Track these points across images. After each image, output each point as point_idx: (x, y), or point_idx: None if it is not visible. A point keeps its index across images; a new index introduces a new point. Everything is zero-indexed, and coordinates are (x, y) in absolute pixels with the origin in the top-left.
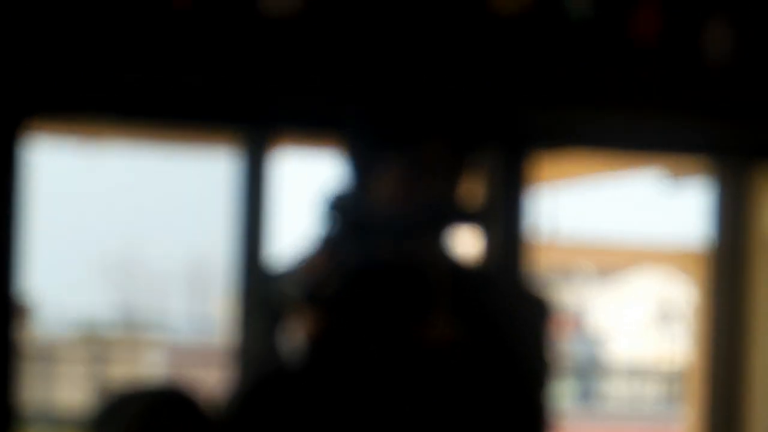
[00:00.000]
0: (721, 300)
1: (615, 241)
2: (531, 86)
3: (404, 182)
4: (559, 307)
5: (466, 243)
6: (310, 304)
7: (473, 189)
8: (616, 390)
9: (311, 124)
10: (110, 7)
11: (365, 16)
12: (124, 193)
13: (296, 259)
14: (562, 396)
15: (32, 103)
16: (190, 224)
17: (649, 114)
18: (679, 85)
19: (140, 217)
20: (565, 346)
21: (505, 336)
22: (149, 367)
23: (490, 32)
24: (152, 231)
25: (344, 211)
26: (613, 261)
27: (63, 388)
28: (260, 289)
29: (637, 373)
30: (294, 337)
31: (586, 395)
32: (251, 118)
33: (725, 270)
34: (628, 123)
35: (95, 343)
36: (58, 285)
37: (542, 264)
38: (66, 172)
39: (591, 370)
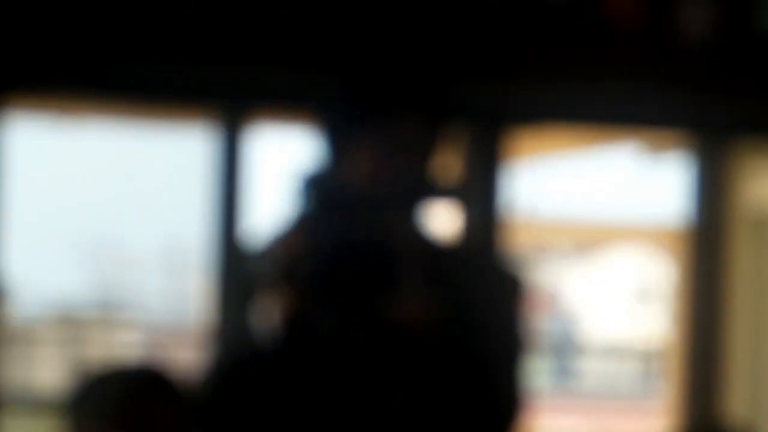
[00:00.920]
0: (699, 277)
1: (592, 218)
2: (507, 61)
3: (378, 158)
4: (534, 284)
5: (441, 219)
6: (283, 282)
7: (448, 165)
8: (592, 368)
9: (286, 100)
10: None
11: None
12: (100, 171)
13: (271, 237)
14: (537, 374)
15: (8, 79)
16: (167, 202)
17: (627, 88)
18: (657, 59)
19: (116, 196)
20: (541, 324)
21: (477, 313)
22: (125, 348)
23: (467, 9)
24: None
25: (319, 188)
26: (590, 238)
27: (40, 370)
28: (236, 268)
29: (614, 351)
30: (269, 315)
31: (562, 373)
32: (226, 94)
33: (704, 247)
34: (605, 97)
35: (71, 324)
36: (33, 266)
37: (518, 241)
38: (42, 151)
39: (567, 349)
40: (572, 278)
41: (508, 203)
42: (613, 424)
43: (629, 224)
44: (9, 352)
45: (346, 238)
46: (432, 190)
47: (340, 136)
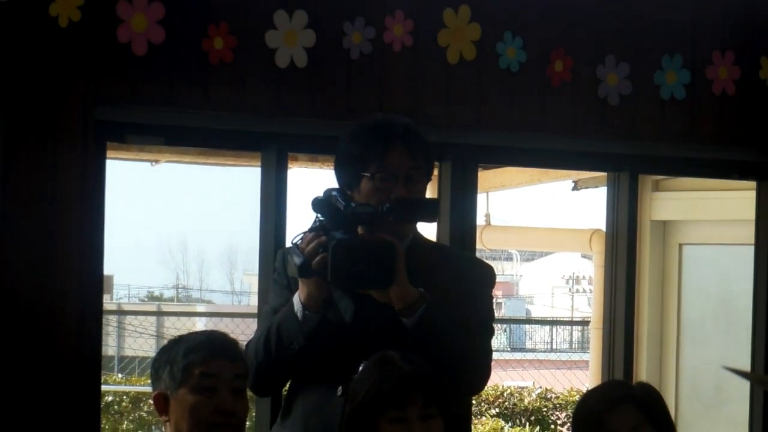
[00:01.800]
0: (616, 269)
1: (539, 227)
2: (478, 118)
3: (378, 188)
4: (497, 275)
5: (426, 230)
6: (301, 274)
7: (432, 191)
8: (539, 337)
9: (314, 150)
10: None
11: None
12: (182, 197)
13: (299, 240)
14: (498, 341)
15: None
16: (228, 219)
17: (562, 138)
18: (583, 116)
19: (193, 214)
20: (502, 304)
21: (456, 293)
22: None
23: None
24: (201, 224)
25: (332, 207)
26: (537, 241)
27: (132, 342)
28: (278, 266)
29: (554, 323)
30: (305, 299)
31: (516, 341)
32: (270, 144)
33: (620, 247)
34: (547, 146)
35: (157, 309)
36: (130, 265)
37: (485, 245)
38: (142, 181)
39: (521, 321)
40: (526, 270)
41: (476, 219)
42: (553, 377)
43: (566, 232)
44: (111, 327)
45: (350, 239)
46: (419, 210)
47: (349, 175)
